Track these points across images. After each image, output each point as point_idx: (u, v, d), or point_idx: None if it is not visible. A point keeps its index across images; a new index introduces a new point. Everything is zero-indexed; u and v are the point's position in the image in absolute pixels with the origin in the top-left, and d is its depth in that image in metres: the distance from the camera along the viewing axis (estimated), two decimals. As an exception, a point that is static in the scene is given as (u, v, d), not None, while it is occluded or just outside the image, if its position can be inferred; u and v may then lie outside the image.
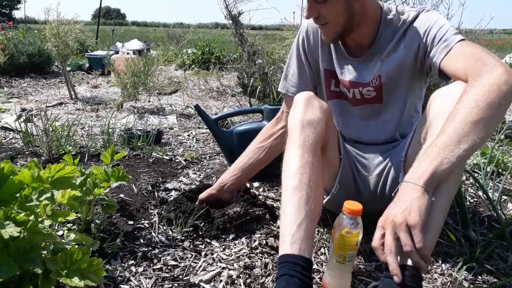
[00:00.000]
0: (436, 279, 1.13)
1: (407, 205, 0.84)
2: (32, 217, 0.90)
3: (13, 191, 0.89)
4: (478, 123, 0.86)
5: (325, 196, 1.31)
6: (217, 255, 1.22)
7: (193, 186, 1.70)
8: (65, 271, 0.88)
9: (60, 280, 0.87)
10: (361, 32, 1.24)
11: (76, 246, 0.93)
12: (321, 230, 1.37)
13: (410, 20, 1.20)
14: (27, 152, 2.08)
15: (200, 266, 1.16)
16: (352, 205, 0.98)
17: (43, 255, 0.89)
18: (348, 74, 1.31)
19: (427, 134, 1.04)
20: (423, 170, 0.86)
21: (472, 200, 1.68)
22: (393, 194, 0.91)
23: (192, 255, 1.21)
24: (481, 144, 0.88)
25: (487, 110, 0.86)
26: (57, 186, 1.03)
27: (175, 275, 1.11)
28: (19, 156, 2.01)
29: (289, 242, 0.93)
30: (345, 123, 1.38)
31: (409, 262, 0.86)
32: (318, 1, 1.17)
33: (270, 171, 1.75)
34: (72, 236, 1.00)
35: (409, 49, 1.20)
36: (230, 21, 3.31)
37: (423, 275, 0.92)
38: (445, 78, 1.11)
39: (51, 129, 2.06)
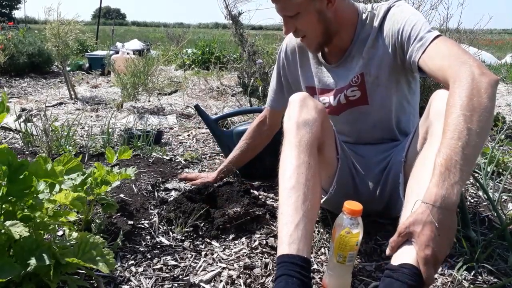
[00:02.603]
0: (436, 279, 1.13)
1: (450, 240, 0.84)
2: (37, 214, 0.91)
3: (25, 186, 0.89)
4: (482, 128, 0.86)
5: (323, 196, 1.31)
6: (217, 255, 1.21)
7: (193, 186, 1.70)
8: (79, 260, 0.90)
9: (80, 265, 0.90)
10: (341, 38, 1.26)
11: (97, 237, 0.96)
12: (321, 230, 1.37)
13: (383, 15, 1.21)
14: (27, 152, 2.08)
15: (200, 266, 1.16)
16: (352, 205, 0.97)
17: (53, 249, 0.90)
18: (332, 83, 1.32)
19: (428, 134, 1.04)
20: (454, 193, 0.82)
21: (472, 200, 1.68)
22: (413, 209, 0.88)
23: (192, 255, 1.21)
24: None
25: (485, 114, 0.86)
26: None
27: (175, 275, 1.11)
28: (19, 156, 2.00)
29: (287, 242, 0.93)
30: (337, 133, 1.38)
31: (410, 261, 0.85)
32: (290, 15, 1.20)
33: (268, 172, 1.75)
34: (74, 234, 1.00)
35: (386, 46, 1.21)
36: (230, 21, 3.31)
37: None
38: (425, 74, 1.11)
39: (51, 129, 2.06)
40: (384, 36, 1.20)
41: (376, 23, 1.22)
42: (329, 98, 1.34)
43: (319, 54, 1.35)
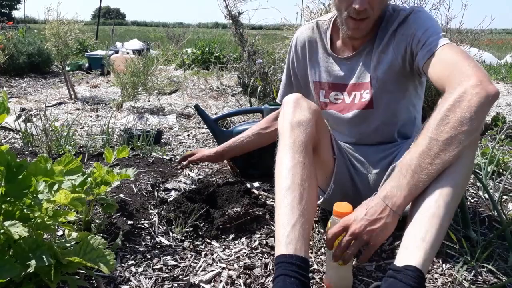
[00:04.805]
0: (436, 279, 1.13)
1: (377, 225, 0.91)
2: (37, 213, 0.90)
3: (24, 186, 0.89)
4: (450, 141, 0.87)
5: (321, 196, 1.31)
6: (217, 255, 1.21)
7: (193, 186, 1.69)
8: (81, 259, 0.90)
9: (81, 265, 0.91)
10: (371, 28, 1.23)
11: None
12: (321, 230, 1.37)
13: (400, 21, 1.19)
14: (26, 152, 2.08)
15: (200, 266, 1.16)
16: (341, 208, 0.98)
17: (54, 249, 0.90)
18: (343, 77, 1.31)
19: None
20: (399, 195, 0.91)
21: (472, 200, 1.68)
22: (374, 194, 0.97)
23: (192, 255, 1.21)
24: (455, 159, 0.89)
25: (459, 127, 0.86)
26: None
27: (175, 275, 1.11)
28: (18, 156, 2.00)
29: (284, 242, 0.93)
30: (336, 132, 1.38)
31: (413, 262, 0.85)
32: None
33: (269, 172, 1.75)
34: (74, 234, 1.00)
35: (397, 52, 1.19)
36: (230, 21, 3.30)
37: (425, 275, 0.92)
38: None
39: (50, 129, 2.06)
40: (396, 41, 1.19)
41: (391, 29, 1.20)
42: (343, 95, 1.32)
43: (328, 47, 1.33)
